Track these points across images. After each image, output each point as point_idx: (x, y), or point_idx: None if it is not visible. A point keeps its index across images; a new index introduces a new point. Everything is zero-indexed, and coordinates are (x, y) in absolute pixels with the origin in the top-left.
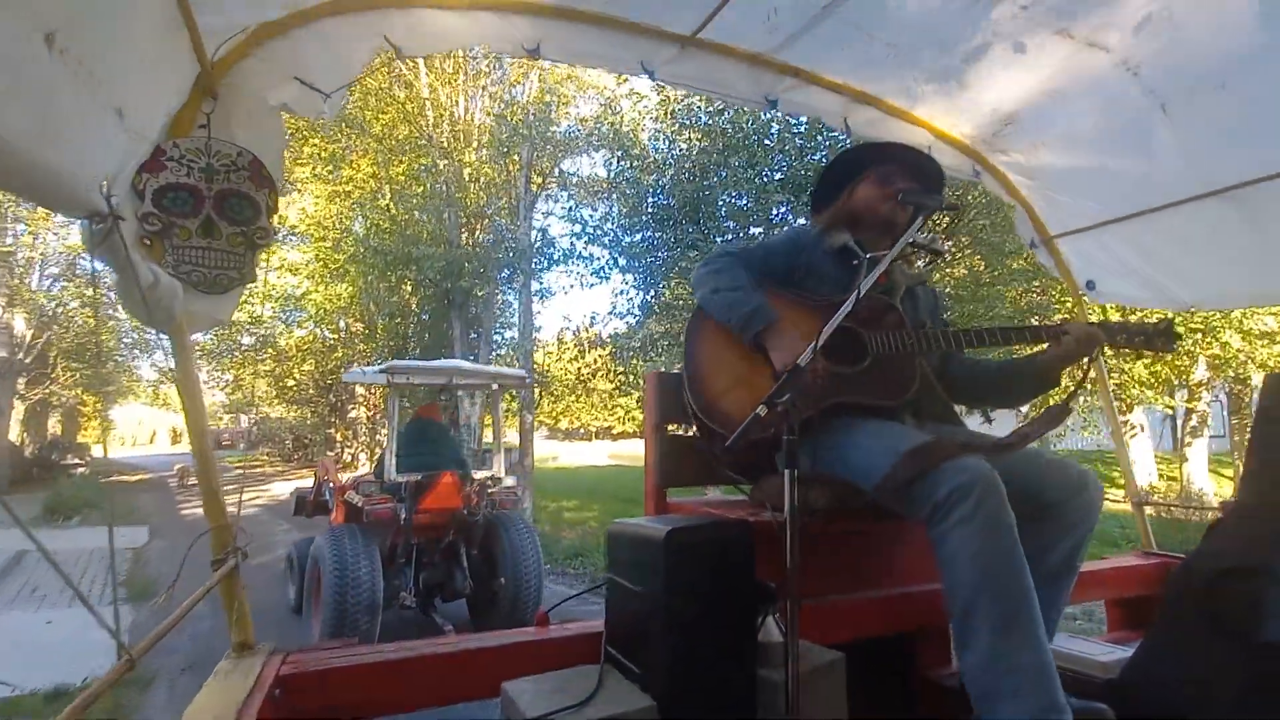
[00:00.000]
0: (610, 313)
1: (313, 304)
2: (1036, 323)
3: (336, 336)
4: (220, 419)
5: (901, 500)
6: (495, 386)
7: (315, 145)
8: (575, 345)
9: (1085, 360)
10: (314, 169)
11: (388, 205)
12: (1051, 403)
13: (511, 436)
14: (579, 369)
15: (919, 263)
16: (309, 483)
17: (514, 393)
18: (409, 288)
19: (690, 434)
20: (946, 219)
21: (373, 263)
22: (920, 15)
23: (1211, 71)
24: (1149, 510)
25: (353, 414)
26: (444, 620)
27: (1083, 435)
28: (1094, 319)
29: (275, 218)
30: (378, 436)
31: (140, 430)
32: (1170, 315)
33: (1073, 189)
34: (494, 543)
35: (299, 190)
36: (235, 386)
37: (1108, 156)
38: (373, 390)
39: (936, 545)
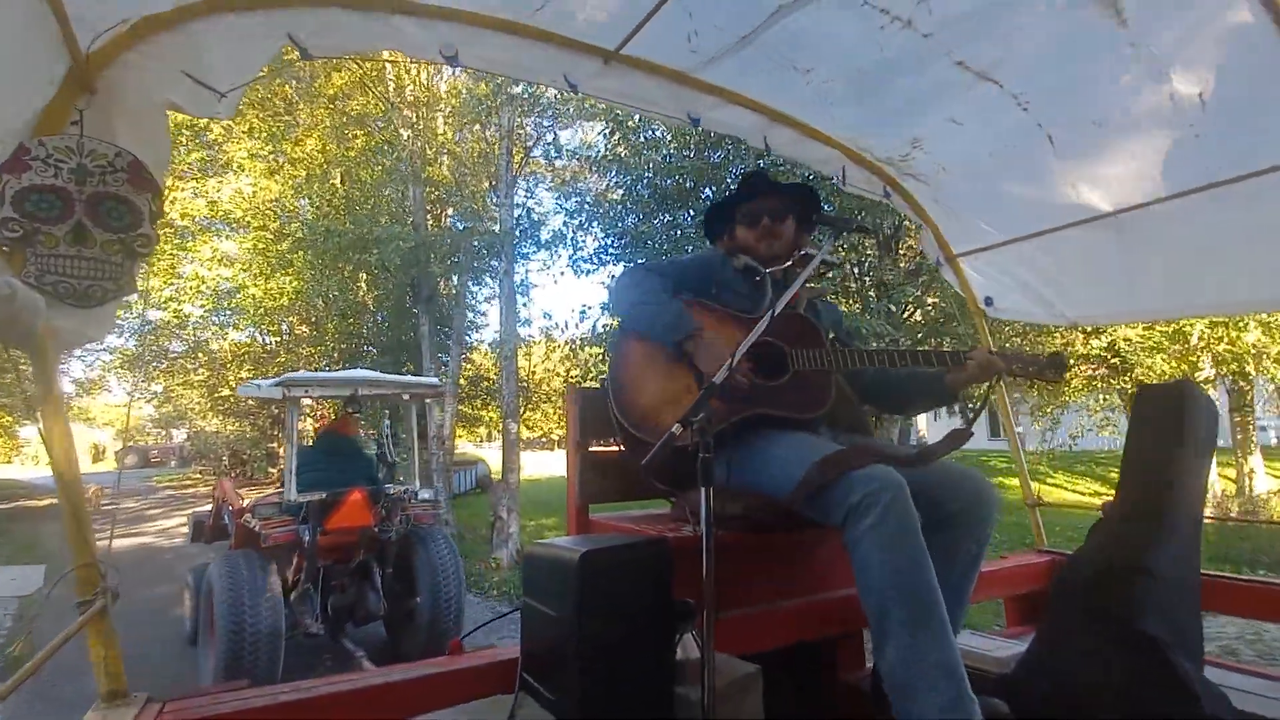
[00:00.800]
0: (604, 307)
1: (250, 301)
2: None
3: (279, 339)
4: (148, 434)
5: (815, 507)
6: (406, 397)
7: (253, 119)
8: (567, 344)
9: (985, 384)
10: (251, 145)
11: (338, 184)
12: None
13: (492, 451)
14: (568, 370)
15: (818, 281)
16: (208, 507)
17: (494, 401)
18: (365, 280)
19: (616, 449)
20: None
21: (322, 249)
22: (833, 43)
23: (1090, 109)
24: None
25: (301, 426)
26: (356, 646)
27: (1099, 434)
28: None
29: (158, 223)
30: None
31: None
32: (1060, 348)
33: (973, 211)
34: (411, 561)
35: (235, 171)
36: (164, 398)
37: (1004, 181)
38: (321, 402)
39: (850, 551)
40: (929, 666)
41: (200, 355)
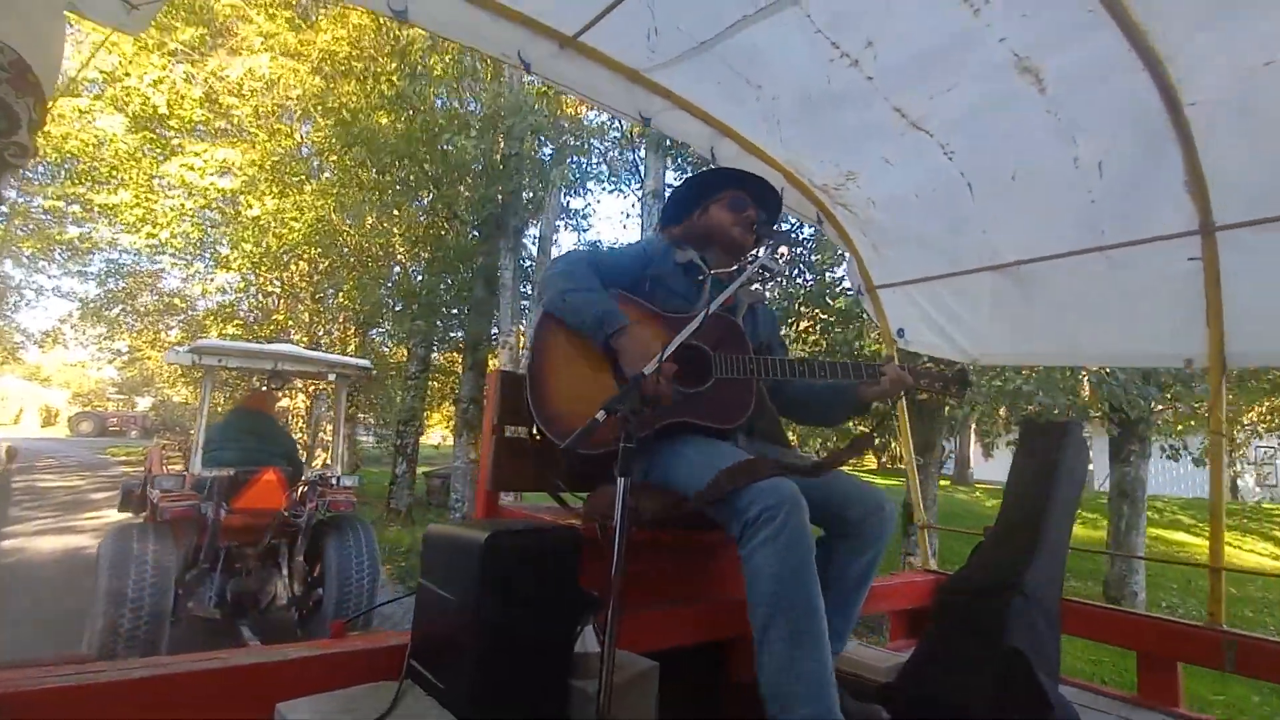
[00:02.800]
0: None
1: (251, 230)
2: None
3: (283, 289)
4: (109, 400)
5: (718, 513)
6: (332, 377)
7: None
8: None
9: (893, 399)
10: (267, 27)
11: (388, 76)
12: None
13: None
14: None
15: (756, 284)
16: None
17: None
18: (434, 203)
19: (533, 436)
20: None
21: (368, 157)
22: (786, 65)
23: (1007, 165)
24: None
25: (284, 402)
26: (253, 635)
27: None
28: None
29: (40, 134)
30: (325, 428)
31: (3, 407)
32: (964, 364)
33: (894, 246)
34: (322, 549)
35: (245, 52)
36: (130, 359)
37: (924, 222)
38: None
39: (744, 562)
40: (804, 679)
41: (177, 304)
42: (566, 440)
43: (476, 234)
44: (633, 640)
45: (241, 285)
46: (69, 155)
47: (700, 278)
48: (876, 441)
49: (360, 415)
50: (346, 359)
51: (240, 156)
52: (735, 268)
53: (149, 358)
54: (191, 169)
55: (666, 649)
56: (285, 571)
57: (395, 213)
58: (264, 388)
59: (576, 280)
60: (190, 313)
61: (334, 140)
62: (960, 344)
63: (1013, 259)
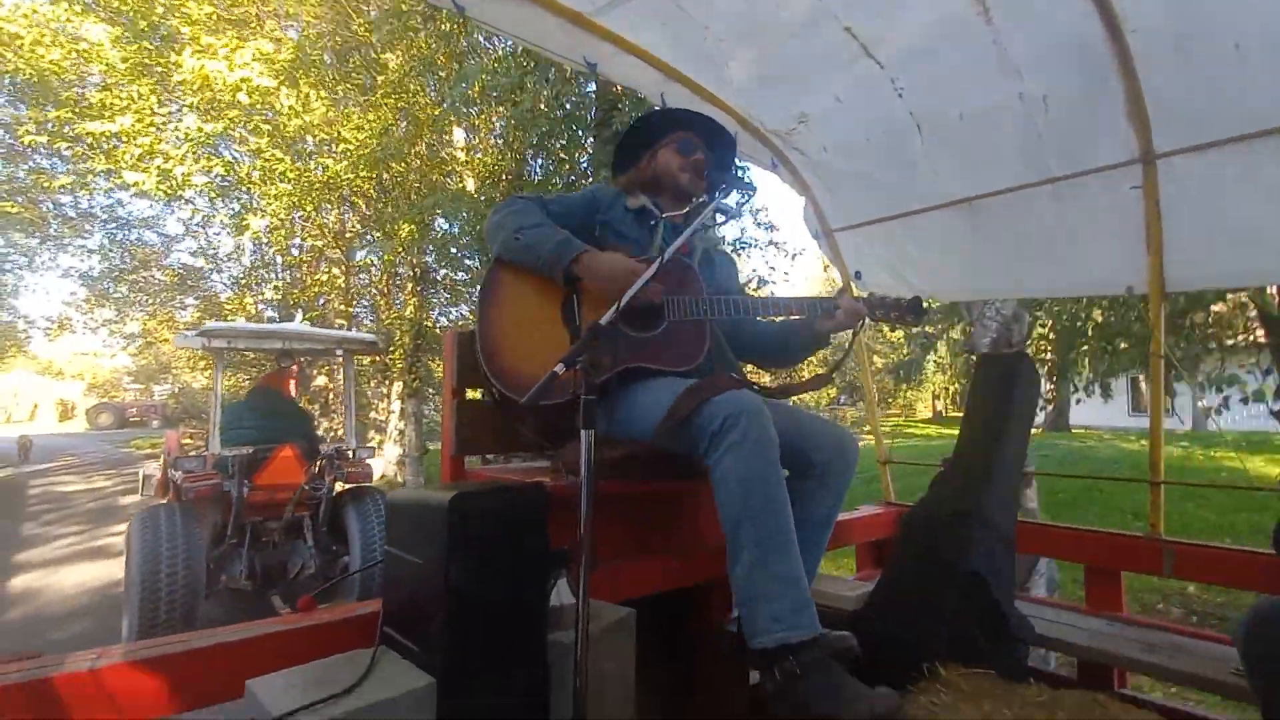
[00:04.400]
0: None
1: (289, 161)
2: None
3: (326, 241)
4: (125, 390)
5: (681, 440)
6: (340, 353)
7: None
8: None
9: (852, 331)
10: None
11: None
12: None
13: None
14: None
15: (711, 229)
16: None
17: None
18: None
19: (492, 395)
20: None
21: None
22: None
23: (955, 102)
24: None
25: (320, 380)
26: (284, 604)
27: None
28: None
29: None
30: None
31: (17, 404)
32: (929, 298)
33: (848, 189)
34: (343, 519)
35: None
36: (143, 345)
37: (876, 163)
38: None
39: (711, 471)
40: (773, 577)
41: (194, 275)
42: (525, 396)
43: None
44: (609, 591)
45: (278, 234)
46: (47, 73)
47: (652, 223)
48: (835, 377)
49: (430, 391)
50: (352, 334)
51: (276, 47)
52: (687, 211)
53: (164, 340)
54: (215, 56)
55: (643, 597)
56: (310, 542)
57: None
58: (289, 365)
59: (525, 218)
60: (207, 284)
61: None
62: (914, 282)
63: (962, 196)
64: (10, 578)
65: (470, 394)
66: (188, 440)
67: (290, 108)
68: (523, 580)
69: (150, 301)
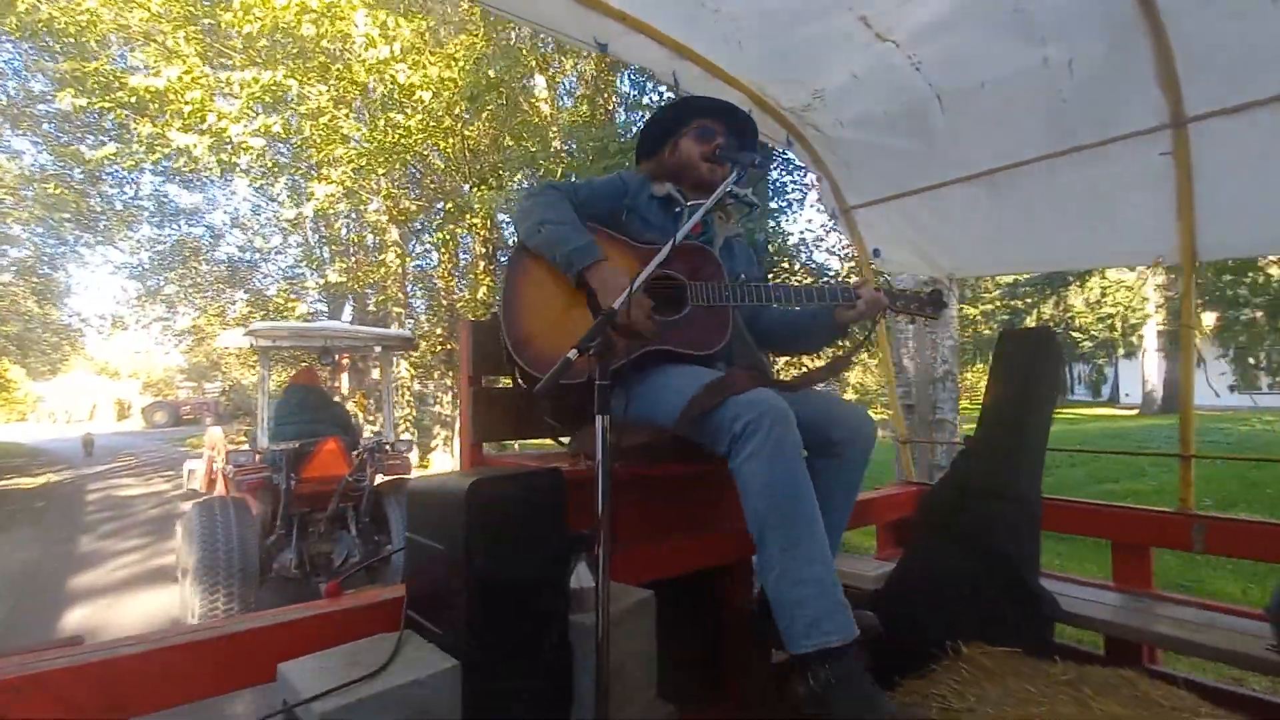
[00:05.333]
0: None
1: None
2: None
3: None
4: (178, 388)
5: (702, 434)
6: (378, 350)
7: None
8: None
9: (871, 321)
10: None
11: None
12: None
13: None
14: None
15: (736, 217)
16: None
17: None
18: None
19: (508, 384)
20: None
21: None
22: None
23: (975, 71)
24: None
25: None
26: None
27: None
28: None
29: None
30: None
31: (78, 404)
32: (939, 284)
33: (866, 165)
34: (385, 509)
35: None
36: (194, 342)
37: (895, 138)
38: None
39: (735, 476)
40: (804, 583)
41: (239, 273)
42: (539, 384)
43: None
44: (629, 573)
45: (340, 204)
46: (85, 26)
47: (677, 210)
48: (854, 363)
49: None
50: (389, 331)
51: None
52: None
53: (214, 336)
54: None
55: (662, 579)
56: (354, 532)
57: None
58: (329, 362)
59: (552, 212)
60: (256, 278)
61: None
62: (935, 259)
63: (985, 168)
64: (67, 607)
65: (491, 380)
66: (240, 439)
67: (366, 34)
68: (542, 564)
69: (199, 296)
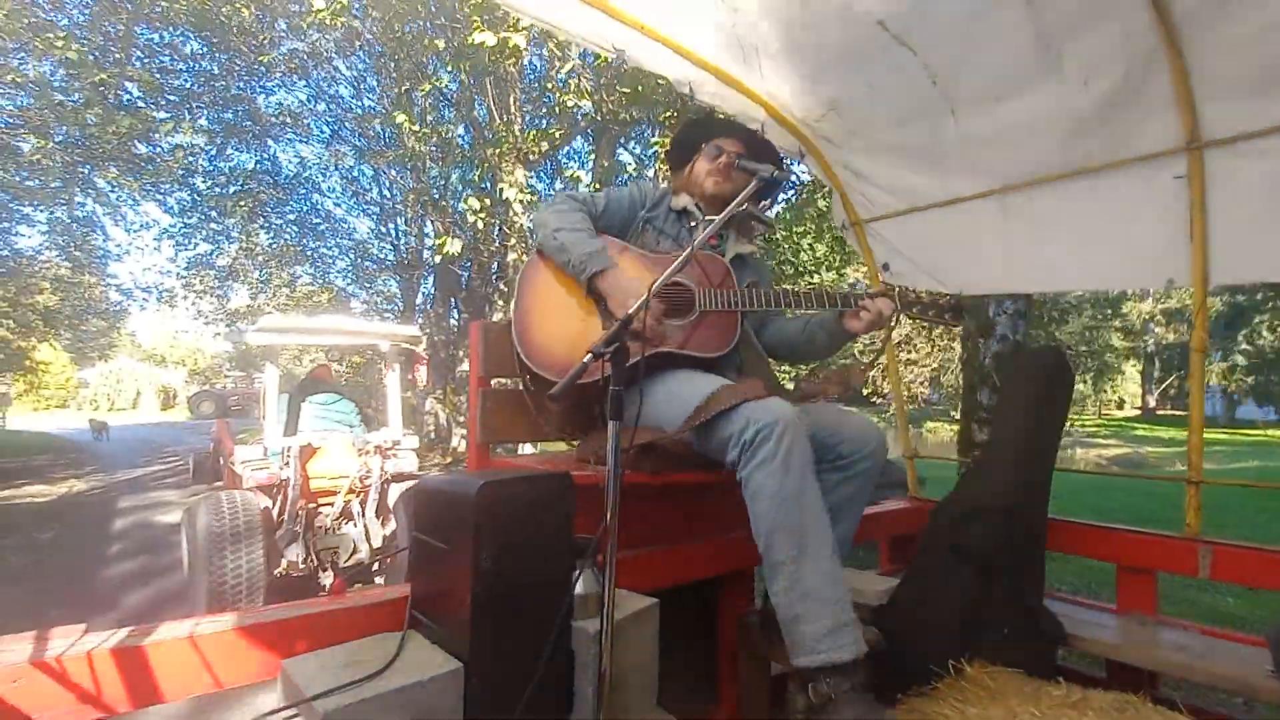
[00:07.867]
0: None
1: None
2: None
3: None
4: (224, 377)
5: (709, 442)
6: (386, 346)
7: None
8: None
9: (884, 329)
10: None
11: None
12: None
13: None
14: None
15: (752, 235)
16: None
17: None
18: None
19: (519, 386)
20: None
21: None
22: None
23: (992, 86)
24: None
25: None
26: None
27: None
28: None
29: None
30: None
31: (120, 391)
32: (960, 294)
33: (878, 179)
34: (392, 506)
35: None
36: (249, 322)
37: (907, 153)
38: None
39: (743, 485)
40: (811, 597)
41: (306, 241)
42: (555, 388)
43: None
44: (634, 580)
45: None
46: None
47: (693, 224)
48: (866, 375)
49: None
50: (396, 328)
51: None
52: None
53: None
54: None
55: (667, 587)
56: (361, 528)
57: None
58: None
59: (567, 219)
60: (323, 247)
61: None
62: (940, 276)
63: (997, 186)
64: None
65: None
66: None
67: None
68: (548, 568)
69: (255, 270)
